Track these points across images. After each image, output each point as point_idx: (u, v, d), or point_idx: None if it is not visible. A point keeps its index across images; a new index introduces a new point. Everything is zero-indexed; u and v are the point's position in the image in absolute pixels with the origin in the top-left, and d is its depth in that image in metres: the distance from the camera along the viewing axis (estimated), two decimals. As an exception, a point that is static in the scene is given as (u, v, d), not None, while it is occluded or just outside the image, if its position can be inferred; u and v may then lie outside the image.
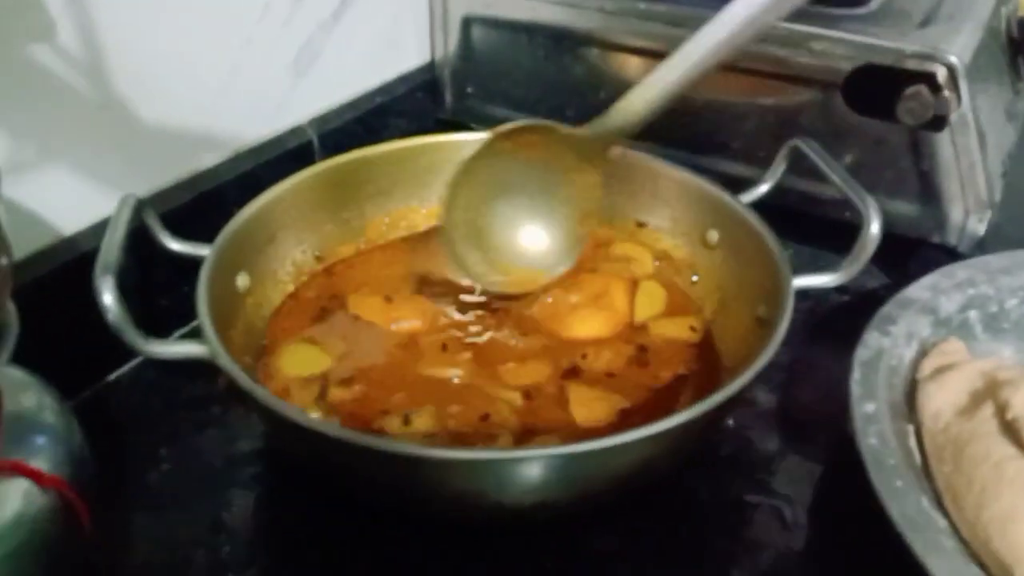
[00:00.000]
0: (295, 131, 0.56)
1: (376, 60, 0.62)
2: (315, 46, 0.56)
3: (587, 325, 0.47)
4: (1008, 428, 0.35)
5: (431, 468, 0.32)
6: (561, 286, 0.48)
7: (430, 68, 0.66)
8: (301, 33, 0.55)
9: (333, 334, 0.47)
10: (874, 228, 0.41)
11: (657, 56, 0.57)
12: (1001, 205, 0.55)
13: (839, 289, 0.46)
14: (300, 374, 0.44)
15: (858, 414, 0.37)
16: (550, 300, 0.48)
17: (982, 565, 0.32)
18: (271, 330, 0.46)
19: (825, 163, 0.45)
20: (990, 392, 0.37)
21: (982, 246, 0.52)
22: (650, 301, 0.49)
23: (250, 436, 0.43)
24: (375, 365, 0.44)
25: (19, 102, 0.41)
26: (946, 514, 0.34)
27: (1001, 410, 0.36)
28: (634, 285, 0.50)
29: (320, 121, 0.57)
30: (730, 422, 0.44)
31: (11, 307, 0.30)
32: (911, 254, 0.53)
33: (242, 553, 0.38)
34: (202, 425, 0.43)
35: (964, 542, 0.33)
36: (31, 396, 0.33)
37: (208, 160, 0.51)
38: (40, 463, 0.30)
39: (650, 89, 0.42)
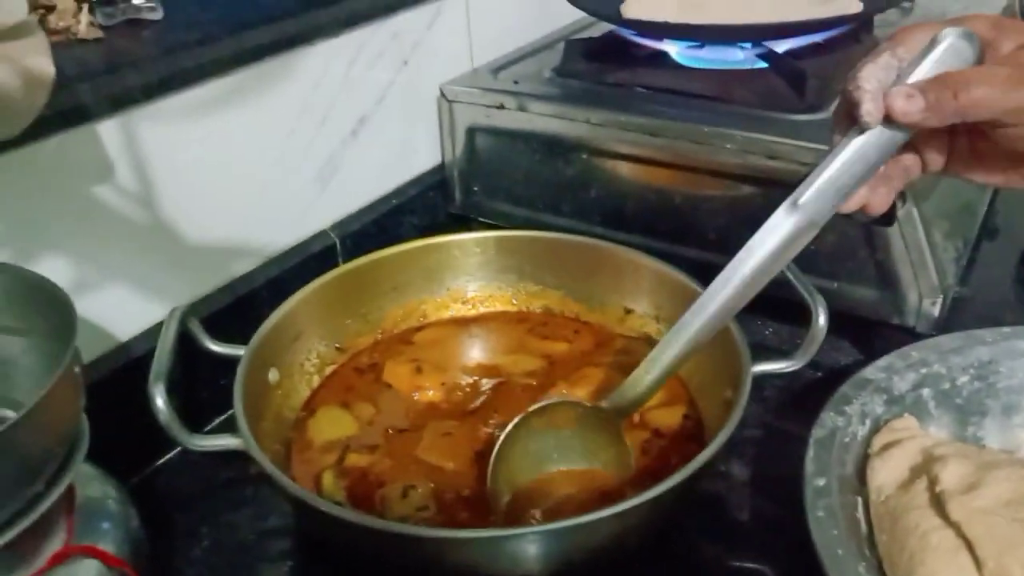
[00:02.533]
0: (319, 236, 0.63)
1: (390, 167, 0.70)
2: (336, 160, 0.64)
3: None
4: (936, 501, 0.40)
5: (422, 545, 0.38)
6: (567, 381, 0.54)
7: (440, 169, 0.73)
8: (324, 150, 0.63)
9: (365, 399, 0.53)
10: (821, 321, 0.46)
11: (638, 160, 0.64)
12: (971, 281, 0.61)
13: (812, 365, 0.51)
14: (327, 438, 0.50)
15: (809, 489, 0.42)
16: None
17: (913, 624, 0.37)
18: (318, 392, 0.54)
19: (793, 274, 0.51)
20: (925, 467, 0.42)
21: (945, 323, 0.57)
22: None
23: (280, 514, 0.49)
24: (394, 435, 0.51)
25: (82, 231, 0.48)
26: (885, 579, 0.39)
27: (932, 484, 0.41)
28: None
29: (341, 225, 0.65)
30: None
31: (84, 417, 0.36)
32: (876, 334, 0.58)
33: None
34: (237, 504, 0.50)
35: (899, 604, 0.38)
36: (97, 487, 0.40)
37: (243, 267, 0.58)
38: (107, 546, 0.36)
39: (655, 365, 0.45)
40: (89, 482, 0.39)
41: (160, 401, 0.41)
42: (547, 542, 0.39)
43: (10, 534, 0.32)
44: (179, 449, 0.53)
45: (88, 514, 0.38)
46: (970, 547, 0.37)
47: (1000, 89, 0.36)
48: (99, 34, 0.52)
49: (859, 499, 0.44)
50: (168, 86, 0.50)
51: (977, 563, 0.37)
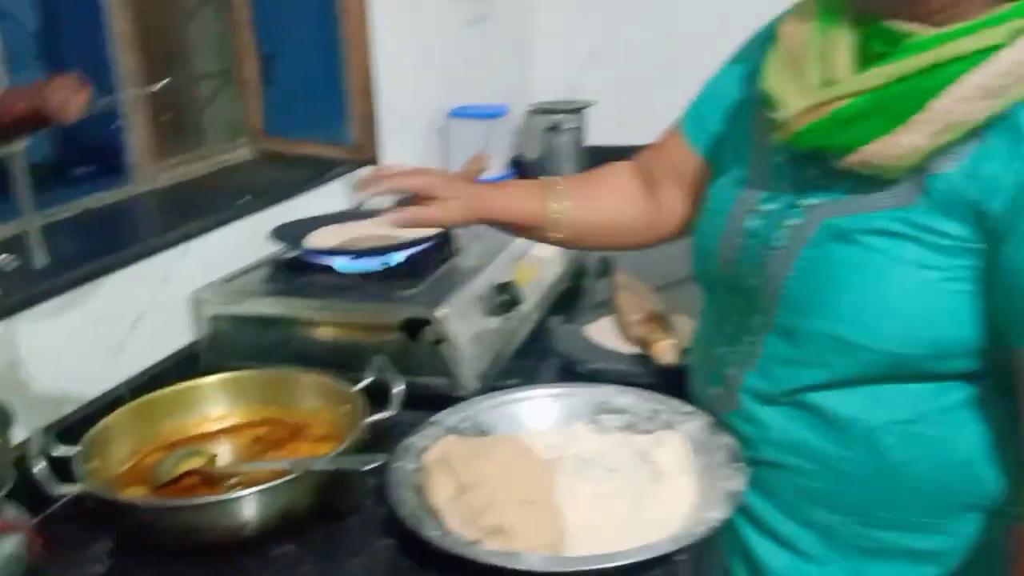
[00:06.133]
0: (113, 390, 1.02)
1: (155, 345, 1.11)
2: (123, 341, 1.04)
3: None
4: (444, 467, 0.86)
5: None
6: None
7: (192, 345, 1.15)
8: (117, 334, 1.03)
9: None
10: (395, 389, 0.92)
11: (319, 324, 1.09)
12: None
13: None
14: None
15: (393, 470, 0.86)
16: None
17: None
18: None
19: (390, 373, 0.97)
20: (445, 456, 0.88)
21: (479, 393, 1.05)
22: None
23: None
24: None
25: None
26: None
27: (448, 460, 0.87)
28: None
29: (129, 383, 1.04)
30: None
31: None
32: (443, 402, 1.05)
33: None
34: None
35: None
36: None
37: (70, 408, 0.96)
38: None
39: None
40: None
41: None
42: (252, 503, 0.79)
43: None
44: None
45: None
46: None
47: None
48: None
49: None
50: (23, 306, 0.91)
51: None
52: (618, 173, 1.07)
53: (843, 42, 0.79)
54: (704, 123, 0.99)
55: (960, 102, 0.70)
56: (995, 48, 0.70)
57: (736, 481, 0.83)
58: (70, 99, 0.65)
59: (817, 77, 0.79)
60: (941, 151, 0.73)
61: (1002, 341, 0.75)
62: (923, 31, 0.74)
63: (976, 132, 0.72)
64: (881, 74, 0.74)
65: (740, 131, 0.93)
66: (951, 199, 0.73)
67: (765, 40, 0.89)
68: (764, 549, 0.91)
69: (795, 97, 0.79)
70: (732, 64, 0.98)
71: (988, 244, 0.73)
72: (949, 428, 0.81)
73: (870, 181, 0.76)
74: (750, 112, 0.91)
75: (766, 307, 0.83)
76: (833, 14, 0.80)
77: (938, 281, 0.75)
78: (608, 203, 1.04)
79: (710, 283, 0.95)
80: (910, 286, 0.75)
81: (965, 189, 0.73)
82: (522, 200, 1.00)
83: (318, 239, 1.23)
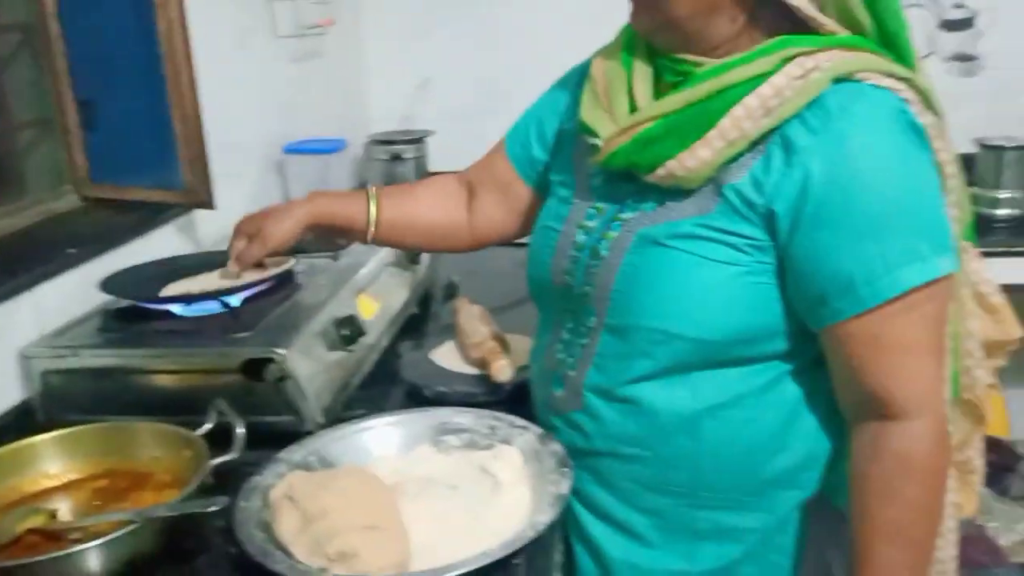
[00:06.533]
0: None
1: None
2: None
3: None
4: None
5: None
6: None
7: (25, 402, 1.12)
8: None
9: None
10: (239, 431, 0.95)
11: (157, 372, 1.09)
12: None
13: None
14: None
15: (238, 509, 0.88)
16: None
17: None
18: None
19: (232, 415, 0.99)
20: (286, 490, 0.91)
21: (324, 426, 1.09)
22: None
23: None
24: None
25: None
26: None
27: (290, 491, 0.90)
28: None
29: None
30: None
31: None
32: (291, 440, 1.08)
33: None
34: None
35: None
36: None
37: None
38: None
39: None
40: None
41: None
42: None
43: None
44: None
45: None
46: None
47: None
48: None
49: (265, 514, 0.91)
50: None
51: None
52: (439, 181, 1.21)
53: (642, 76, 0.92)
54: (525, 145, 1.11)
55: (740, 120, 0.83)
56: (767, 74, 0.83)
57: (564, 485, 0.90)
58: None
59: (624, 107, 0.92)
60: (730, 163, 0.85)
61: (806, 323, 0.88)
62: (707, 62, 0.87)
63: (758, 146, 0.84)
64: (675, 100, 0.87)
65: (564, 157, 1.04)
66: (743, 204, 0.86)
67: (581, 75, 1.01)
68: (603, 535, 1.01)
69: (607, 125, 0.91)
70: (552, 93, 1.10)
71: (778, 241, 0.86)
72: (760, 409, 0.93)
73: (674, 193, 0.88)
74: (571, 140, 1.03)
75: (598, 310, 0.94)
76: (633, 53, 0.94)
77: (738, 275, 0.87)
78: (426, 204, 1.17)
79: (544, 294, 1.04)
80: (714, 281, 0.87)
81: (753, 195, 0.85)
82: (344, 202, 1.14)
83: (175, 288, 1.23)
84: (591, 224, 0.95)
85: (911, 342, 0.84)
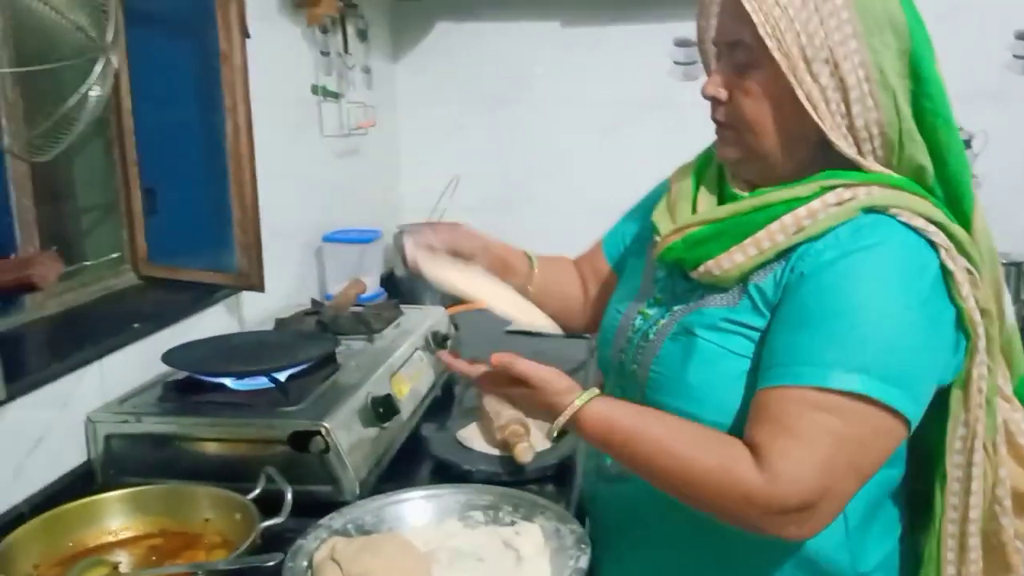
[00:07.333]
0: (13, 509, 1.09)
1: (54, 463, 1.18)
2: (22, 464, 1.11)
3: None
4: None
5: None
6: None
7: (88, 462, 1.23)
8: (17, 457, 1.10)
9: None
10: (288, 496, 1.04)
11: (213, 440, 1.20)
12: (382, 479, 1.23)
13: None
14: None
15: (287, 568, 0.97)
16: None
17: None
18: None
19: (281, 482, 1.09)
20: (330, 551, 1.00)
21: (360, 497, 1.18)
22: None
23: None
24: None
25: None
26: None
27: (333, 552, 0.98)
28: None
29: (28, 500, 1.10)
30: None
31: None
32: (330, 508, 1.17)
33: None
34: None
35: None
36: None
37: None
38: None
39: None
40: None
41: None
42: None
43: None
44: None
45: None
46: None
47: None
48: None
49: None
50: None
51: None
52: (568, 261, 1.33)
53: (707, 191, 1.07)
54: (618, 246, 1.26)
55: (775, 233, 0.95)
56: (806, 199, 0.95)
57: (582, 560, 0.99)
58: (49, 271, 0.78)
59: (687, 213, 1.06)
60: (760, 267, 0.97)
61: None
62: (762, 185, 1.01)
63: (785, 254, 0.96)
64: (724, 210, 1.01)
65: (640, 252, 1.19)
66: (761, 301, 0.97)
67: (663, 188, 1.17)
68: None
69: (668, 225, 1.06)
70: (642, 202, 1.26)
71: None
72: None
73: (712, 289, 1.01)
74: (647, 239, 1.16)
75: (640, 387, 1.05)
76: (704, 173, 1.09)
77: (753, 369, 0.96)
78: (567, 275, 1.31)
79: (606, 367, 1.18)
80: (732, 371, 0.97)
81: (770, 295, 0.96)
82: (508, 248, 1.25)
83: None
84: (650, 312, 1.08)
85: (809, 437, 0.86)
